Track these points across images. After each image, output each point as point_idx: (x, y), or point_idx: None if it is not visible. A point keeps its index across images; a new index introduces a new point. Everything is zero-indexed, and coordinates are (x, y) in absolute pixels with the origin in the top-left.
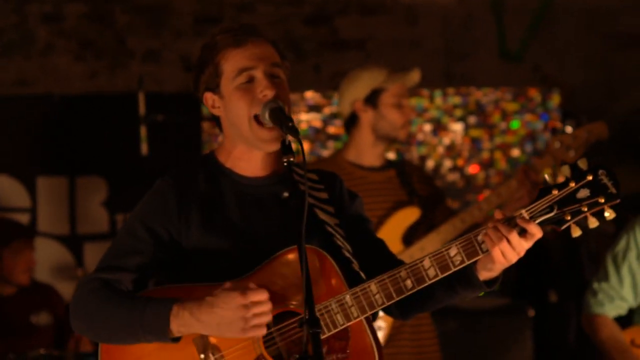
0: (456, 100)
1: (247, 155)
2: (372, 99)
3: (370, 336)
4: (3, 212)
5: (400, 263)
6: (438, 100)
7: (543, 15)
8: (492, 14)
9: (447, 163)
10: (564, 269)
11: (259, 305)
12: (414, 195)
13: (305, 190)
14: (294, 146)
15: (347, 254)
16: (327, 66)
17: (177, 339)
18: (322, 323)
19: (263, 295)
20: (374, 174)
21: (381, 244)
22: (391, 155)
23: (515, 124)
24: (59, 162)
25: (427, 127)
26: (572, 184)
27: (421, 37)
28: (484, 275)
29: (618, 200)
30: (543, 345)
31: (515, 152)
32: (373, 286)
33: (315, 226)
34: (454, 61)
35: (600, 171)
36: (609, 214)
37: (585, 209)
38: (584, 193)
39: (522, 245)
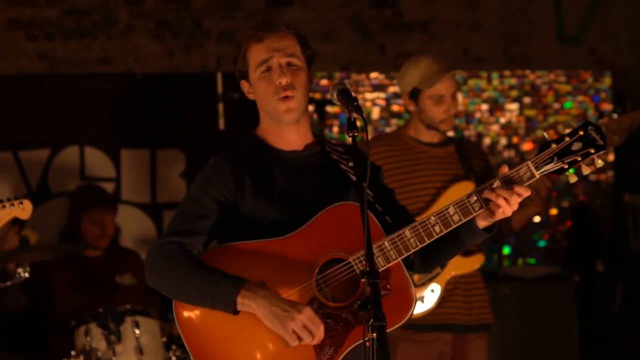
0: (512, 81)
1: (279, 131)
2: (414, 95)
3: (407, 274)
4: (90, 182)
5: None
6: (495, 81)
7: None
8: None
9: (503, 140)
10: (610, 240)
11: (309, 334)
12: (471, 171)
13: (368, 161)
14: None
15: (380, 209)
16: (391, 47)
17: (237, 312)
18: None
19: (319, 329)
20: (434, 149)
21: (404, 209)
22: (451, 133)
23: (568, 104)
24: (142, 136)
25: (484, 107)
26: (567, 139)
27: (482, 19)
28: (481, 224)
29: (605, 150)
30: (588, 312)
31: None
32: (407, 232)
33: (351, 188)
34: (512, 43)
35: (590, 127)
36: (599, 162)
37: (579, 159)
38: (577, 146)
39: (516, 203)
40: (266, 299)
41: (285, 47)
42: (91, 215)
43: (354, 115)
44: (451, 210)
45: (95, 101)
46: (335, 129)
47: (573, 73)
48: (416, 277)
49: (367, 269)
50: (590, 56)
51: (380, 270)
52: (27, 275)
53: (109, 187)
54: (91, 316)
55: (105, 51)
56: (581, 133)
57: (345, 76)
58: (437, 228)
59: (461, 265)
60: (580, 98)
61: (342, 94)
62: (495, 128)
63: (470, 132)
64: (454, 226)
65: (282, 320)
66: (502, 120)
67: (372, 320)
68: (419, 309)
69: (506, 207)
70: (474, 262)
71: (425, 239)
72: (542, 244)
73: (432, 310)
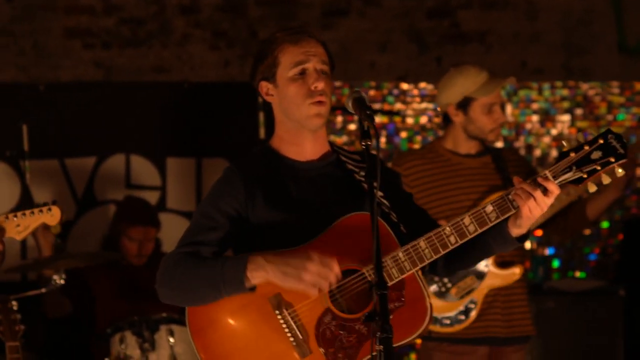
0: (564, 92)
1: (297, 139)
2: (464, 105)
3: (422, 285)
4: (136, 190)
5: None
6: (546, 92)
7: None
8: (611, 9)
9: (554, 152)
10: None
11: (325, 268)
12: (508, 180)
13: (378, 171)
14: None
15: (395, 219)
16: (448, 58)
17: (253, 288)
18: None
19: (333, 263)
20: (470, 160)
21: (423, 212)
22: (499, 144)
23: (621, 116)
24: (188, 144)
25: (535, 118)
26: (587, 147)
27: (541, 31)
28: (514, 232)
29: (626, 160)
30: (636, 327)
31: None
32: (422, 242)
33: (366, 198)
34: (573, 55)
35: (610, 135)
36: (619, 171)
37: (599, 168)
38: (597, 154)
39: (545, 202)
40: (273, 263)
41: (320, 54)
42: (131, 233)
43: (367, 124)
44: (467, 220)
45: (141, 109)
46: (383, 139)
47: (627, 84)
48: (454, 290)
49: (376, 279)
50: None
51: (394, 282)
52: (62, 282)
53: (155, 195)
54: (126, 324)
55: (161, 60)
56: (601, 141)
57: (393, 86)
58: (452, 239)
59: (499, 278)
60: (635, 110)
61: (356, 103)
62: (546, 140)
63: (520, 144)
64: (470, 237)
65: (294, 277)
66: (554, 131)
67: (379, 332)
68: (458, 323)
69: (534, 205)
70: (513, 275)
71: (440, 250)
72: (592, 257)
73: (471, 324)
